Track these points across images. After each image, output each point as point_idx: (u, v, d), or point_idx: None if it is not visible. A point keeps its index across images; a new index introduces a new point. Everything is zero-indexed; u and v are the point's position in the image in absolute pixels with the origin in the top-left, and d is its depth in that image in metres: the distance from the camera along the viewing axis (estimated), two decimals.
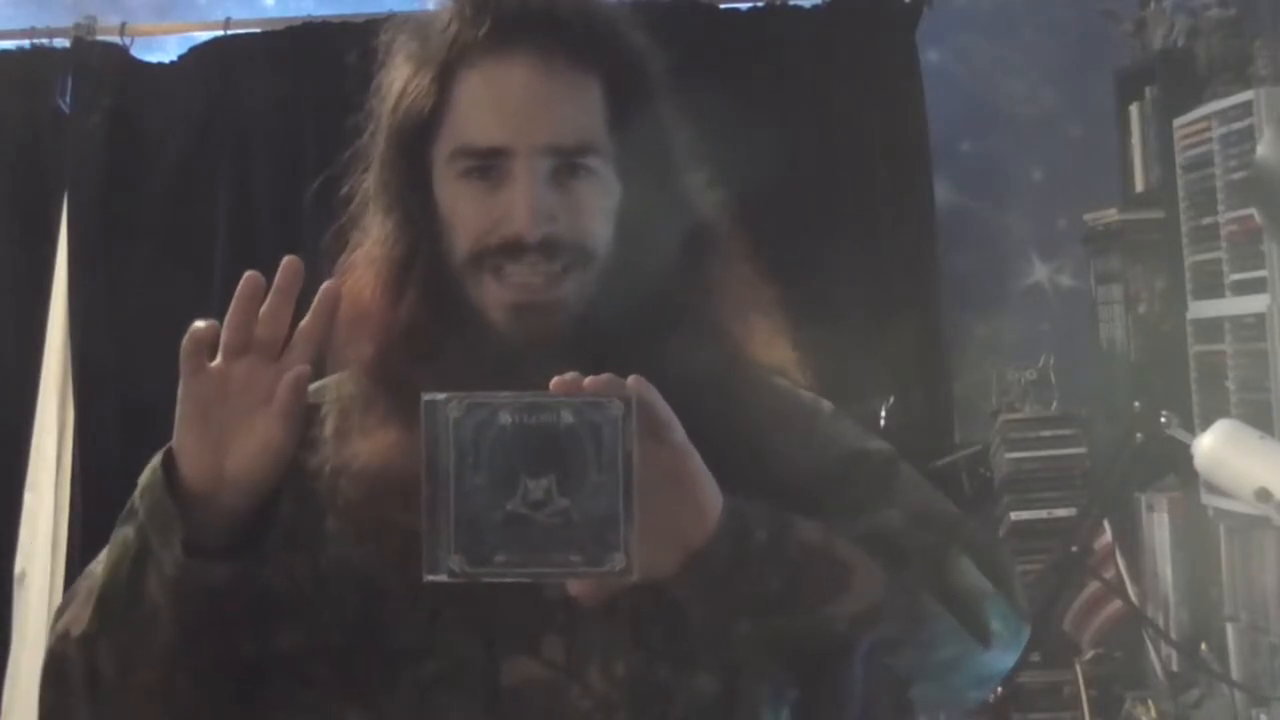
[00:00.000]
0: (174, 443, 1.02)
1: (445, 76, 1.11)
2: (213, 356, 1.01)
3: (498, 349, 1.09)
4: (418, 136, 1.12)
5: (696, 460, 0.97)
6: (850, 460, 1.19)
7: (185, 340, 1.01)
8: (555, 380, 0.92)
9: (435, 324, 1.10)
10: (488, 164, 1.09)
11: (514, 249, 1.08)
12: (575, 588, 0.94)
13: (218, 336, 1.01)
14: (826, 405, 1.25)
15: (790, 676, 1.09)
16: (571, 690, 1.07)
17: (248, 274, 1.02)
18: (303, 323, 1.04)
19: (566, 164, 1.09)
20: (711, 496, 0.98)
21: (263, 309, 1.01)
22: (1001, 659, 1.14)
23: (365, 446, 1.08)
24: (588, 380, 0.92)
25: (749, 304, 1.20)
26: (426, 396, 0.90)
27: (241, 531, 1.02)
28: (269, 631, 1.09)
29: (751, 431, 1.08)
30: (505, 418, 0.90)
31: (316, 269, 1.10)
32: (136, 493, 1.04)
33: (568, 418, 0.90)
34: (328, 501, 1.10)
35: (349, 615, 1.09)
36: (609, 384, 0.91)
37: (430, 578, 0.90)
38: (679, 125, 1.19)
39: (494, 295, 1.09)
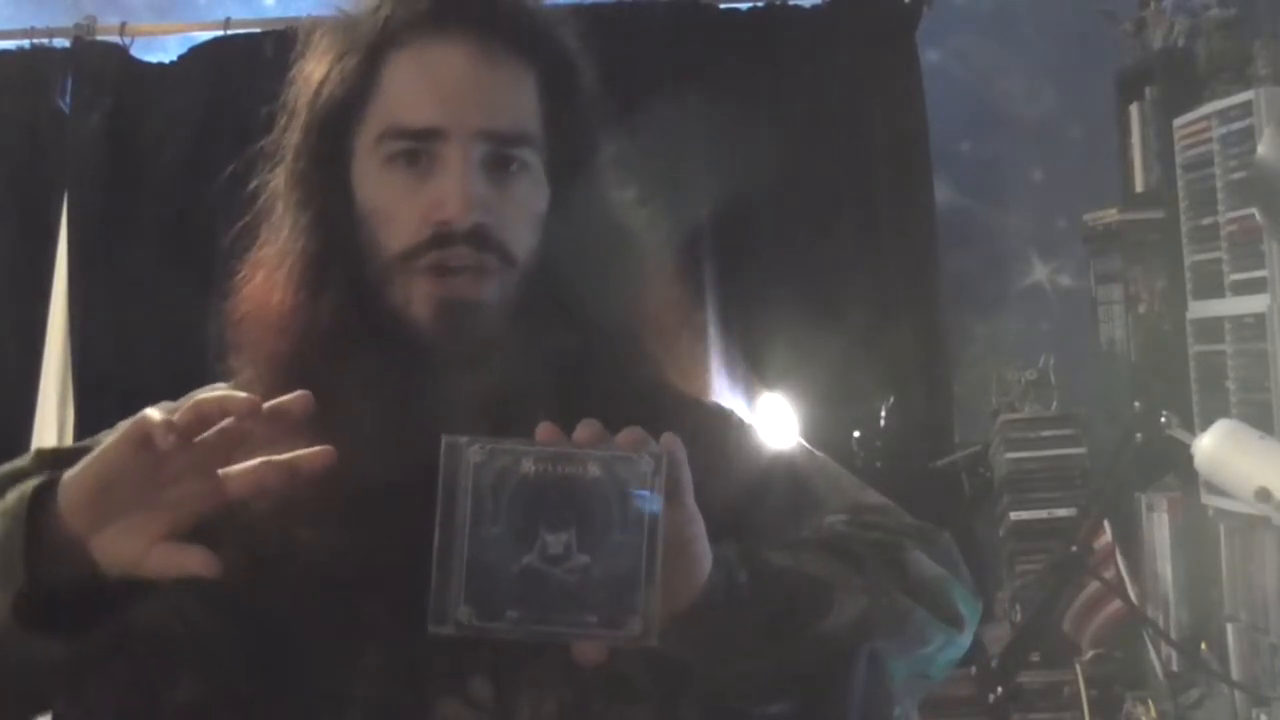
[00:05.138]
0: (67, 483, 0.91)
1: (374, 58, 1.07)
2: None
3: (417, 354, 1.05)
4: (340, 123, 1.08)
5: (701, 527, 0.93)
6: (770, 467, 1.17)
7: (148, 416, 0.90)
8: (579, 429, 0.88)
9: (355, 324, 1.05)
10: (418, 147, 1.05)
11: (443, 238, 1.03)
12: (580, 651, 0.88)
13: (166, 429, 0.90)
14: (732, 413, 1.21)
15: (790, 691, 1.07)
16: None
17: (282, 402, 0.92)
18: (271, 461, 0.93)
19: (500, 155, 1.06)
20: (704, 562, 0.94)
21: (236, 424, 0.91)
22: (968, 639, 1.13)
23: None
24: (620, 435, 0.88)
25: (672, 324, 1.16)
26: (447, 439, 0.85)
27: (88, 598, 0.92)
28: (163, 684, 1.02)
29: (689, 458, 1.02)
30: (528, 466, 0.85)
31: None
32: None
33: (594, 471, 0.85)
34: (225, 532, 0.99)
35: (256, 660, 1.01)
36: (641, 440, 0.88)
37: (435, 630, 0.85)
38: (608, 139, 1.15)
39: (423, 292, 1.04)
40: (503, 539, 0.85)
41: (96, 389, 3.32)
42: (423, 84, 1.06)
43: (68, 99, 3.44)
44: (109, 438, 0.92)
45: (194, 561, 0.91)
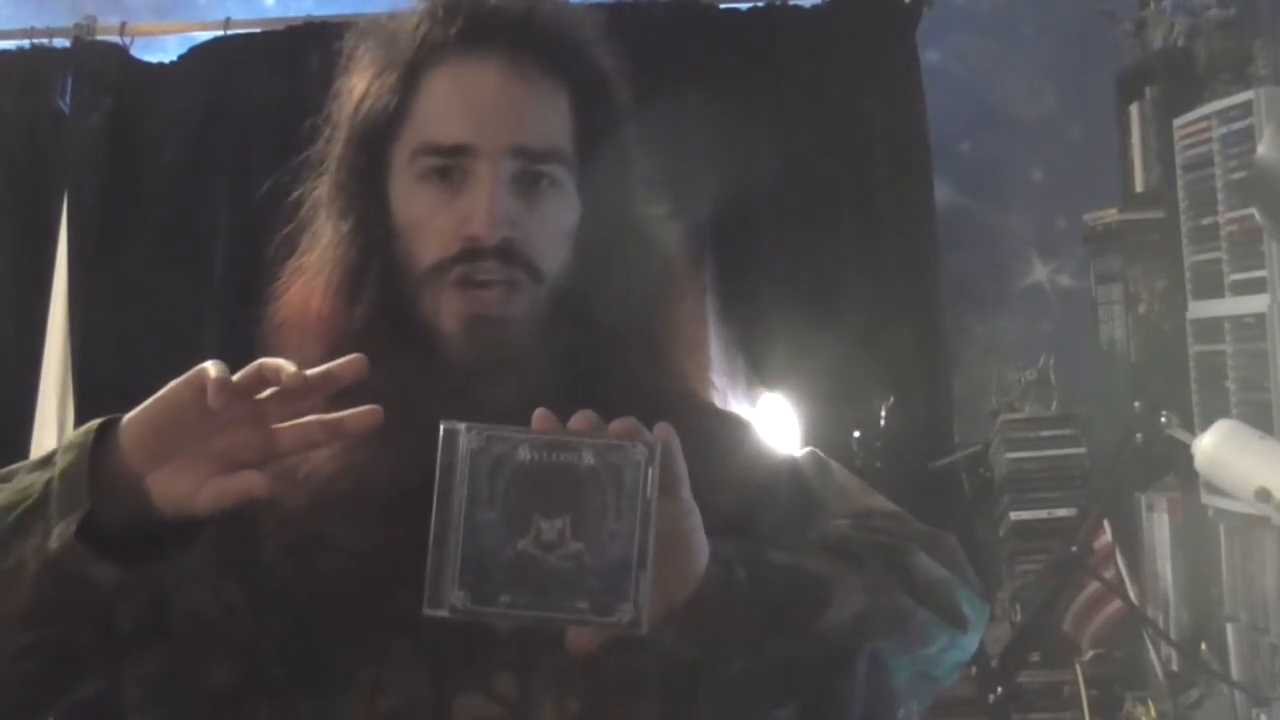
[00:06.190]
0: (127, 422, 0.96)
1: (411, 75, 1.09)
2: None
3: (446, 363, 1.07)
4: (378, 137, 1.10)
5: (697, 519, 0.94)
6: (778, 472, 1.18)
7: (208, 370, 0.93)
8: (575, 418, 0.89)
9: (389, 331, 1.07)
10: (450, 164, 1.07)
11: (472, 253, 1.05)
12: (574, 638, 0.90)
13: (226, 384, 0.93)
14: (742, 418, 1.23)
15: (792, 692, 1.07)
16: None
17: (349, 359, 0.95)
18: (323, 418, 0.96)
19: (531, 171, 1.07)
20: (701, 555, 0.95)
21: (296, 384, 0.94)
22: (974, 641, 1.14)
23: (314, 453, 1.03)
24: (614, 424, 0.89)
25: (692, 332, 1.19)
26: (445, 424, 0.87)
27: (145, 539, 0.95)
28: (200, 668, 1.04)
29: (701, 462, 1.02)
30: (524, 453, 0.87)
31: None
32: (62, 446, 0.97)
33: (589, 459, 0.87)
34: (262, 519, 1.04)
35: (291, 647, 1.03)
36: (635, 428, 0.89)
37: (430, 613, 0.86)
38: (641, 155, 1.17)
39: (452, 306, 1.06)
40: (498, 525, 0.86)
41: (96, 389, 3.32)
42: (455, 101, 1.08)
43: (68, 99, 3.44)
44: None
45: (245, 484, 0.93)
